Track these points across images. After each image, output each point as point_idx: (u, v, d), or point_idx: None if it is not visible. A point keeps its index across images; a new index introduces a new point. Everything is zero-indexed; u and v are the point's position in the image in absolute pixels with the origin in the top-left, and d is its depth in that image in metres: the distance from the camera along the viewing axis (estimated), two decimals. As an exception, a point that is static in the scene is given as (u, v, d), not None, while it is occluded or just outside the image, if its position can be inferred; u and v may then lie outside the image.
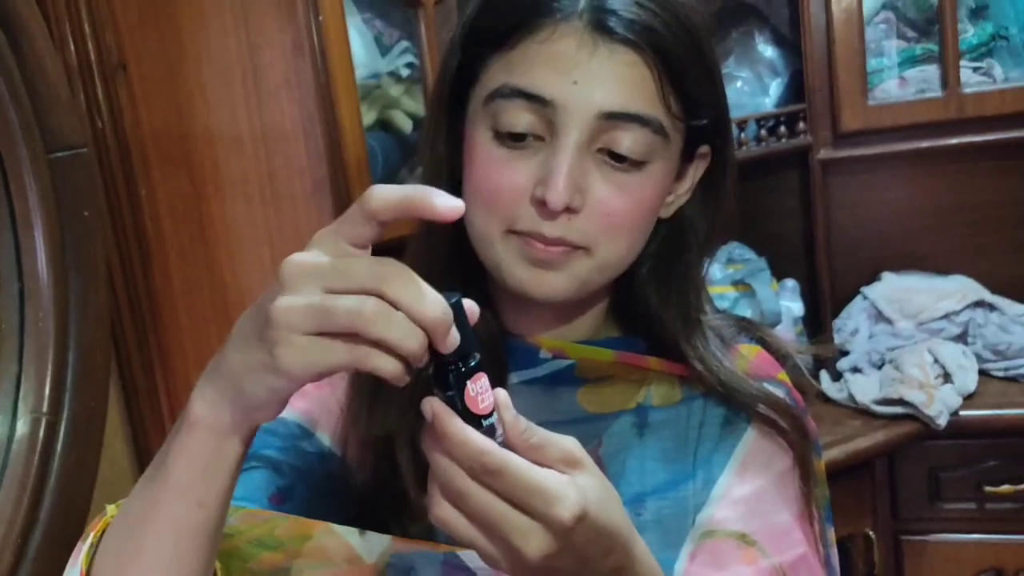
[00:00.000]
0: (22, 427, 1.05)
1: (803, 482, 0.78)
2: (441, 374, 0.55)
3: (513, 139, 0.71)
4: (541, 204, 0.70)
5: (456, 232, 0.77)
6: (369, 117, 1.29)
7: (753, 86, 1.93)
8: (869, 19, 1.86)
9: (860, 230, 2.01)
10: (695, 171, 0.79)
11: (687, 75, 0.71)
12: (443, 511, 0.55)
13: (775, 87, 1.94)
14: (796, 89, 1.93)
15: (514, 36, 0.71)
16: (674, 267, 0.80)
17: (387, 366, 0.51)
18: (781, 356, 0.85)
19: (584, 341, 0.81)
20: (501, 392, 0.56)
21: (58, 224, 1.08)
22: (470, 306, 0.54)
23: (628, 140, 0.70)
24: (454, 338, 0.53)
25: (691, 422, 0.79)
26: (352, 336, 0.51)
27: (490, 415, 0.56)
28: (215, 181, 1.26)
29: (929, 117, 1.82)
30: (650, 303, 0.80)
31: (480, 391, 0.56)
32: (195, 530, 0.58)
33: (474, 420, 0.55)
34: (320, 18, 1.16)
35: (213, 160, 1.25)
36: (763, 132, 1.85)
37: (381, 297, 0.50)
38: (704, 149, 0.79)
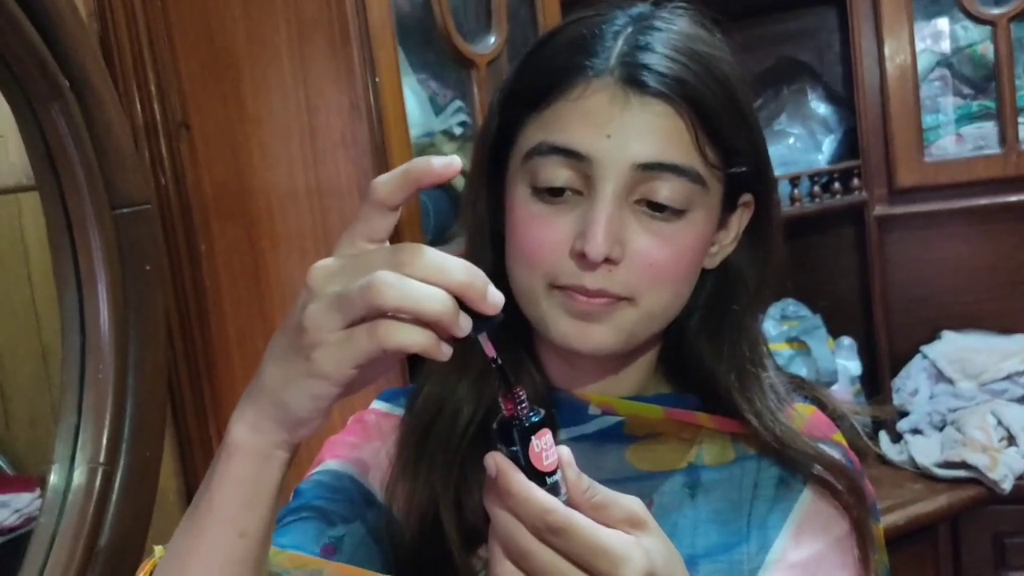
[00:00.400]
0: (79, 477, 1.07)
1: (860, 547, 0.76)
2: (505, 429, 0.55)
3: (552, 194, 0.72)
4: (581, 257, 0.70)
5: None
6: (422, 174, 1.31)
7: (806, 143, 1.93)
8: (924, 76, 1.85)
9: (918, 287, 1.97)
10: (739, 220, 0.79)
11: (722, 124, 0.72)
12: (504, 570, 0.55)
13: (828, 144, 1.93)
14: (850, 146, 1.92)
15: (549, 96, 0.72)
16: (725, 317, 0.80)
17: (412, 337, 0.51)
18: (837, 416, 0.83)
19: (633, 396, 0.81)
20: (564, 450, 0.56)
21: (120, 278, 1.11)
22: (495, 299, 0.53)
23: (666, 190, 0.71)
24: (494, 297, 0.53)
25: (745, 482, 0.78)
26: (376, 318, 0.51)
27: (554, 472, 0.55)
28: (271, 236, 1.28)
29: (987, 174, 1.79)
30: (703, 355, 0.80)
31: (545, 447, 0.55)
32: (238, 560, 0.58)
33: (538, 477, 0.54)
34: (376, 79, 1.18)
35: (270, 216, 1.28)
36: (816, 189, 1.83)
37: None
38: (747, 198, 0.78)
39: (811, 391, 0.84)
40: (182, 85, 1.29)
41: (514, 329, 0.78)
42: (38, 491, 1.61)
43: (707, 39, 0.75)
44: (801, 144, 1.93)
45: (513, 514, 0.54)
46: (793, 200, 1.80)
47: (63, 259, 1.11)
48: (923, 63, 1.84)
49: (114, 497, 1.08)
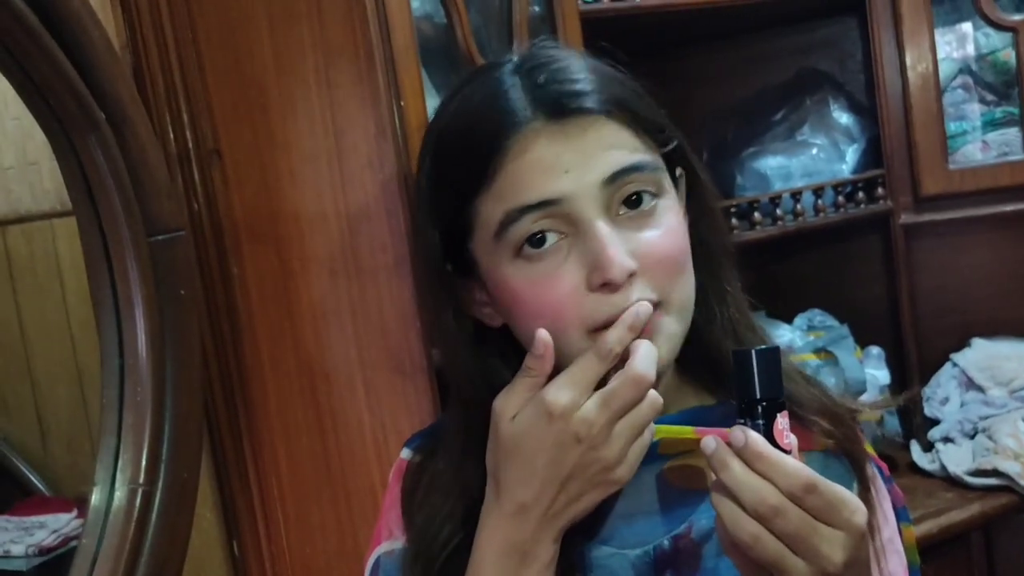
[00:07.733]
0: (120, 498, 1.09)
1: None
2: (752, 406, 0.63)
3: (534, 246, 0.72)
4: (605, 286, 0.71)
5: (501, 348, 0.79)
6: (448, 194, 1.33)
7: (829, 153, 1.93)
8: (946, 83, 1.85)
9: (946, 295, 1.96)
10: (682, 194, 0.81)
11: (640, 112, 0.75)
12: (753, 529, 0.61)
13: (851, 153, 1.93)
14: (873, 155, 1.92)
15: (489, 169, 0.72)
16: (703, 287, 0.79)
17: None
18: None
19: (659, 419, 0.81)
20: (793, 436, 0.65)
21: (157, 303, 1.13)
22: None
23: (638, 186, 0.73)
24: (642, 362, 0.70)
25: None
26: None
27: (788, 452, 0.63)
28: (302, 259, 1.30)
29: (1013, 180, 1.79)
30: (698, 327, 0.79)
31: (785, 426, 0.63)
32: None
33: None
34: (402, 103, 1.21)
35: (300, 239, 1.30)
36: (841, 198, 1.83)
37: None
38: (679, 172, 0.81)
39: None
40: (213, 113, 1.32)
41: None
42: (75, 512, 1.64)
43: (580, 52, 0.79)
44: (824, 154, 1.93)
45: (763, 476, 0.61)
46: (817, 210, 1.80)
47: (101, 285, 1.14)
48: (945, 70, 1.84)
49: (153, 517, 1.11)
